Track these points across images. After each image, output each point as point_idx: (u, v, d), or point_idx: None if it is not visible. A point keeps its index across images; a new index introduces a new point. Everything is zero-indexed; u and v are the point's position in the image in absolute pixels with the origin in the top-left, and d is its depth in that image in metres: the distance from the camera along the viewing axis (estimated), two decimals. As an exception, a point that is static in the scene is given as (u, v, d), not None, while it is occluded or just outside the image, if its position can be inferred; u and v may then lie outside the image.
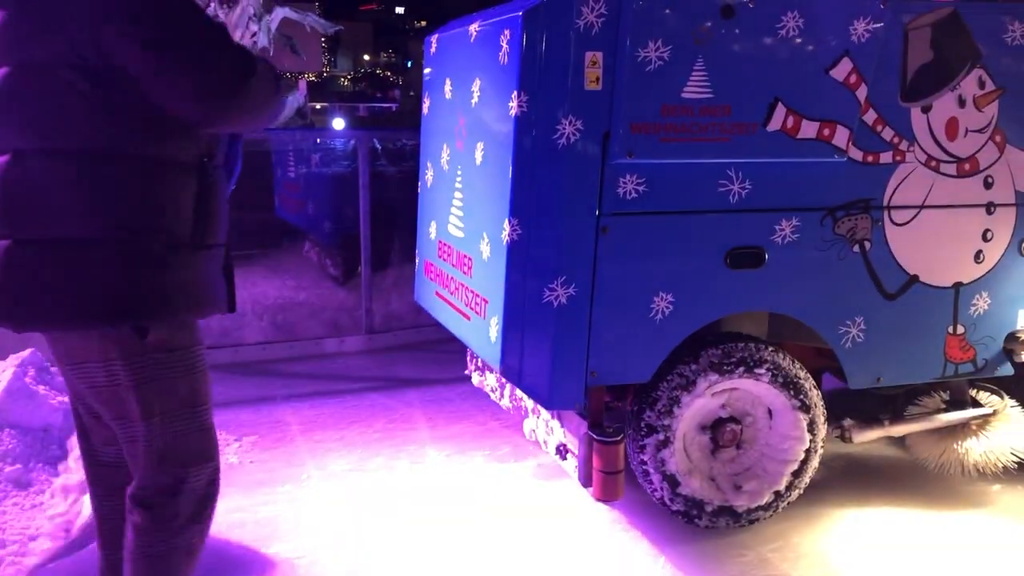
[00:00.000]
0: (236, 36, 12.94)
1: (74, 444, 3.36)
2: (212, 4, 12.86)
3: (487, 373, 3.62)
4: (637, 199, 2.61)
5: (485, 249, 2.86)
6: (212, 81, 1.75)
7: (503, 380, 3.43)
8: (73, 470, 3.23)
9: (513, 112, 2.61)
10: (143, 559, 1.93)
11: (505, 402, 3.44)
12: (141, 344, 1.82)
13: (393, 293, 5.69)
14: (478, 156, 2.93)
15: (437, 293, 3.46)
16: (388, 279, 5.85)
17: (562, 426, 2.94)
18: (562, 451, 2.94)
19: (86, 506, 3.02)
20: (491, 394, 3.61)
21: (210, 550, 2.32)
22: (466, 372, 3.87)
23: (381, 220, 5.34)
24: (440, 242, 3.40)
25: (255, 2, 13.08)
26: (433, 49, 3.52)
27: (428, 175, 3.57)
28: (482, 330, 2.90)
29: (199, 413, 1.95)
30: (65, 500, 3.06)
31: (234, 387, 4.35)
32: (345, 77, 50.23)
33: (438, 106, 3.46)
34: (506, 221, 2.67)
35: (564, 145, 2.54)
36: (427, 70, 3.64)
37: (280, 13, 13.76)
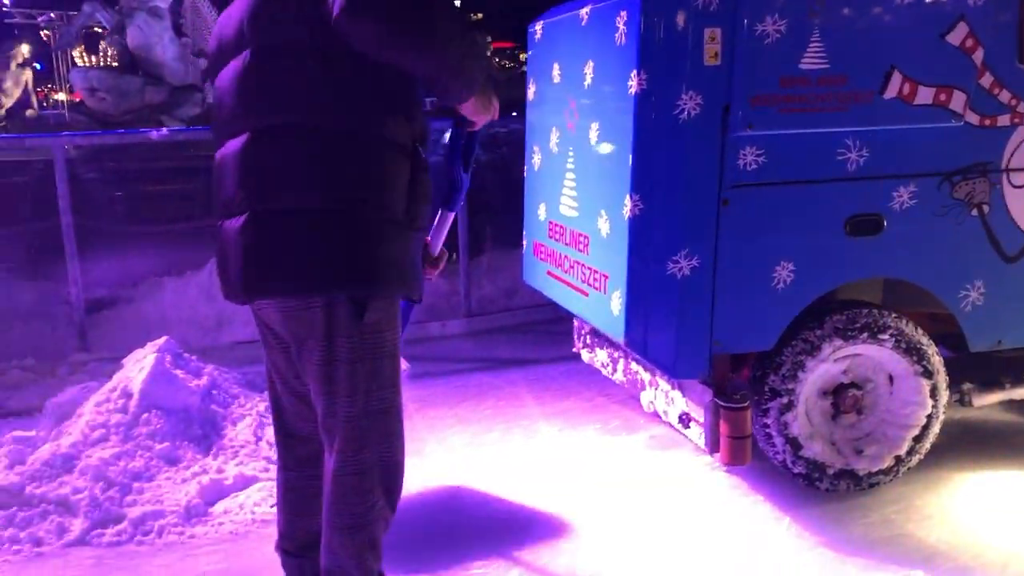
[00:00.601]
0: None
1: (212, 423, 3.58)
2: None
3: (597, 349, 3.72)
4: (757, 170, 2.67)
5: (604, 226, 2.96)
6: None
7: (616, 355, 3.53)
8: (215, 448, 3.44)
9: (632, 90, 2.69)
10: (342, 529, 2.05)
11: (618, 376, 3.54)
12: (359, 323, 1.93)
13: (486, 278, 5.83)
14: (592, 136, 3.03)
15: (549, 272, 3.57)
16: (482, 265, 5.99)
17: (684, 396, 3.02)
18: (685, 420, 3.03)
19: (229, 478, 3.23)
20: (602, 369, 3.71)
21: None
22: (574, 350, 3.97)
23: (474, 206, 5.47)
24: (551, 223, 3.51)
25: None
26: (538, 36, 3.62)
27: (536, 159, 3.68)
28: (602, 305, 3.00)
29: (397, 394, 2.06)
30: (209, 474, 3.26)
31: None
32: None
33: (545, 91, 3.56)
34: (627, 197, 2.76)
35: (684, 120, 2.62)
36: (529, 54, 3.74)
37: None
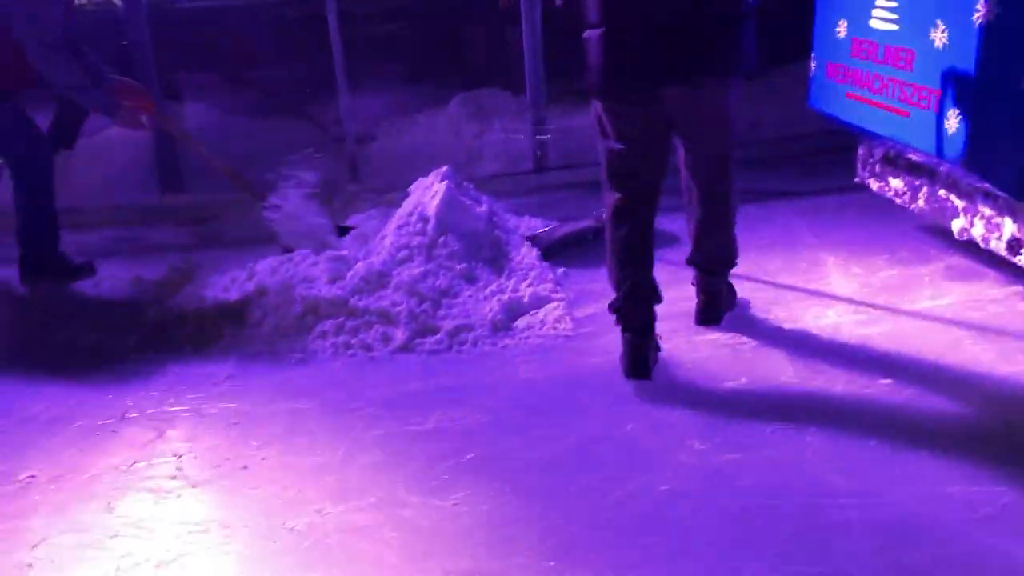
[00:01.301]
0: None
1: (498, 247, 3.73)
2: None
3: (890, 178, 3.54)
4: None
5: (939, 37, 2.74)
6: None
7: (918, 182, 3.35)
8: (507, 270, 3.61)
9: None
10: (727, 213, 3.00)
11: (919, 204, 3.37)
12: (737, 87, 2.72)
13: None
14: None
15: (849, 95, 3.38)
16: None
17: (1015, 221, 2.85)
18: (1015, 246, 2.86)
19: (526, 297, 3.38)
20: (895, 199, 3.54)
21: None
22: (856, 180, 3.81)
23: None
24: (855, 40, 3.29)
25: None
26: None
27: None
28: (928, 125, 2.82)
29: None
30: (507, 293, 3.43)
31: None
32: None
33: None
34: (980, 2, 2.53)
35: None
36: None
37: None
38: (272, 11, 6.07)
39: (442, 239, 3.62)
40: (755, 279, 3.52)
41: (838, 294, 3.33)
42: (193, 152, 4.27)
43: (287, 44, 5.76)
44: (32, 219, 3.82)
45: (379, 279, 3.43)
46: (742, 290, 3.31)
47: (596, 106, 2.77)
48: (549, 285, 3.51)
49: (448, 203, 3.71)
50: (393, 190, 4.67)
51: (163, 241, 4.47)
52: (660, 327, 2.90)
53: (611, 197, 2.82)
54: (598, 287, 3.54)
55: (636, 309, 2.79)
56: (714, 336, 3.08)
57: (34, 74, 3.58)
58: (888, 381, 2.68)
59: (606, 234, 2.88)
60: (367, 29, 5.65)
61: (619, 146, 2.75)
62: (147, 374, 3.11)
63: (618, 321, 2.83)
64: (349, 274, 3.48)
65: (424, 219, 3.68)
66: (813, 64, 3.67)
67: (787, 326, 3.11)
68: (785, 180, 4.75)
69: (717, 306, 3.10)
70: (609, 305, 2.86)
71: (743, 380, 2.78)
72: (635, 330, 2.80)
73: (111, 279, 3.95)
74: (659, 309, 2.88)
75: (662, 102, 2.65)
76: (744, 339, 3.04)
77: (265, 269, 3.69)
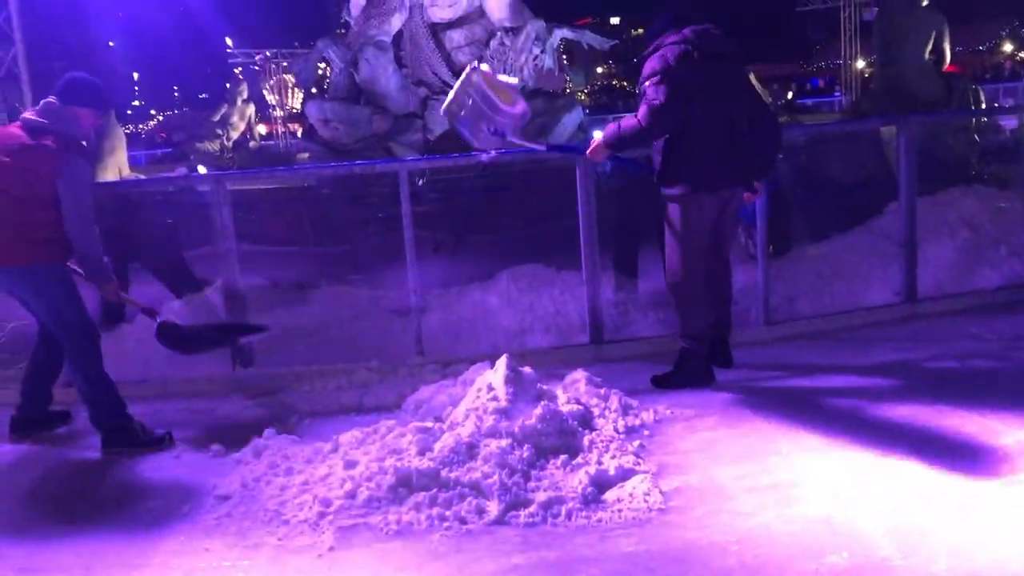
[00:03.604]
0: (521, 61, 13.84)
1: (579, 419, 3.84)
2: (499, 34, 13.91)
3: None
4: None
5: None
6: None
7: None
8: (588, 443, 3.70)
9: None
10: None
11: None
12: None
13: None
14: None
15: None
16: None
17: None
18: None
19: (611, 470, 3.45)
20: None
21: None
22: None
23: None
24: None
25: (539, 26, 13.99)
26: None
27: None
28: None
29: None
30: (592, 465, 3.50)
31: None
32: (582, 92, 51.61)
33: None
34: None
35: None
36: None
37: (559, 34, 14.60)
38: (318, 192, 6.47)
39: (519, 414, 3.74)
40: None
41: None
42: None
43: (346, 218, 6.09)
44: (99, 396, 4.08)
45: (468, 451, 3.52)
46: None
47: (673, 216, 4.32)
48: (631, 458, 3.60)
49: (512, 384, 3.85)
50: (456, 362, 4.84)
51: (236, 413, 4.57)
52: (745, 499, 3.00)
53: (694, 265, 4.31)
54: (675, 459, 3.64)
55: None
56: (803, 509, 3.14)
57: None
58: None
59: (686, 299, 4.40)
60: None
61: (700, 228, 4.30)
62: (242, 548, 3.13)
63: (698, 347, 4.40)
64: (438, 446, 3.56)
65: (495, 398, 3.80)
66: None
67: (879, 502, 3.17)
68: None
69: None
70: (694, 343, 4.38)
71: (844, 554, 2.83)
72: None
73: (190, 450, 4.03)
74: (742, 468, 2.99)
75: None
76: (835, 511, 3.10)
77: (350, 441, 3.78)
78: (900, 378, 4.44)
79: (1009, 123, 11.53)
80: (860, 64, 29.82)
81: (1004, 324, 5.15)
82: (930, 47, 9.08)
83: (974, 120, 9.16)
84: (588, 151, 4.43)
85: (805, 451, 3.62)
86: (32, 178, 3.99)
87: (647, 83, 4.15)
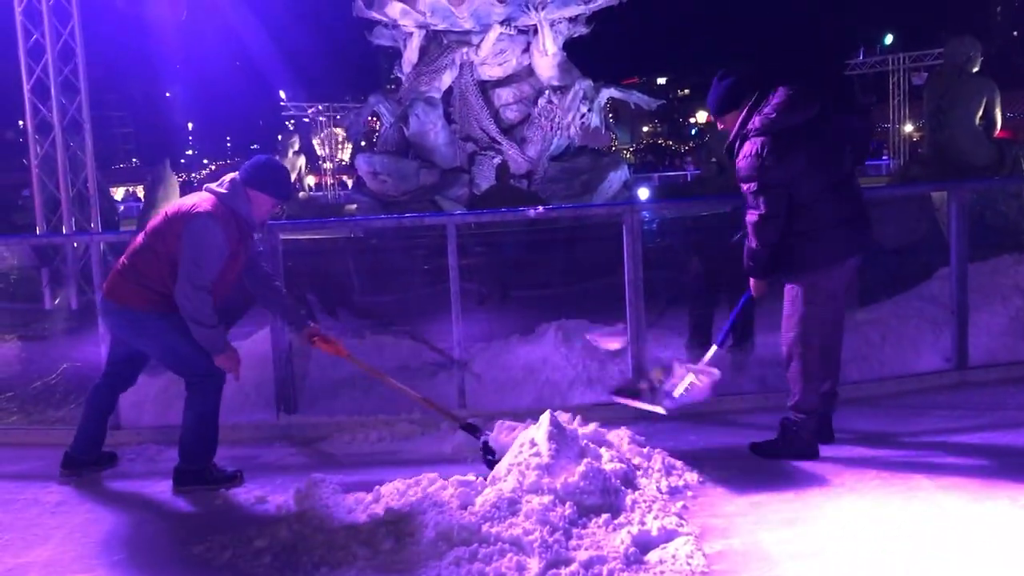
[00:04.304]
0: (568, 119, 14.03)
1: (621, 478, 3.81)
2: (547, 92, 14.15)
3: None
4: None
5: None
6: None
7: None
8: (631, 502, 3.66)
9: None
10: None
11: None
12: None
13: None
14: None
15: None
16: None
17: None
18: None
19: (653, 530, 3.41)
20: None
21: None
22: None
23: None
24: None
25: (586, 85, 14.22)
26: None
27: None
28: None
29: None
30: (634, 525, 3.46)
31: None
32: (627, 150, 52.06)
33: None
34: None
35: None
36: None
37: (607, 93, 14.81)
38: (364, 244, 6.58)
39: (562, 470, 3.72)
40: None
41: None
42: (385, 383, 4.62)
43: (393, 270, 6.19)
44: (199, 438, 4.13)
45: (509, 506, 3.50)
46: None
47: (799, 289, 4.14)
48: (674, 519, 3.55)
49: (556, 441, 3.83)
50: (499, 415, 4.84)
51: (279, 460, 4.61)
52: (789, 565, 2.92)
53: (816, 339, 4.18)
54: (719, 522, 3.58)
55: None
56: (854, 578, 3.07)
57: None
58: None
59: (807, 375, 4.20)
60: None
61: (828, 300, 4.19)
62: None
63: (809, 421, 4.23)
64: (479, 500, 3.56)
65: (538, 453, 3.79)
66: None
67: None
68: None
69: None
70: (804, 417, 4.22)
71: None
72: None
73: (232, 497, 4.07)
74: (787, 533, 2.91)
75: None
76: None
77: (392, 492, 3.79)
78: (949, 449, 4.34)
79: (1061, 190, 11.37)
80: (908, 128, 29.70)
81: (1056, 395, 5.03)
82: (981, 112, 9.02)
83: (1026, 187, 9.05)
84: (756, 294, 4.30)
85: (852, 517, 3.55)
86: (176, 236, 3.99)
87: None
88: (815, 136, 4.05)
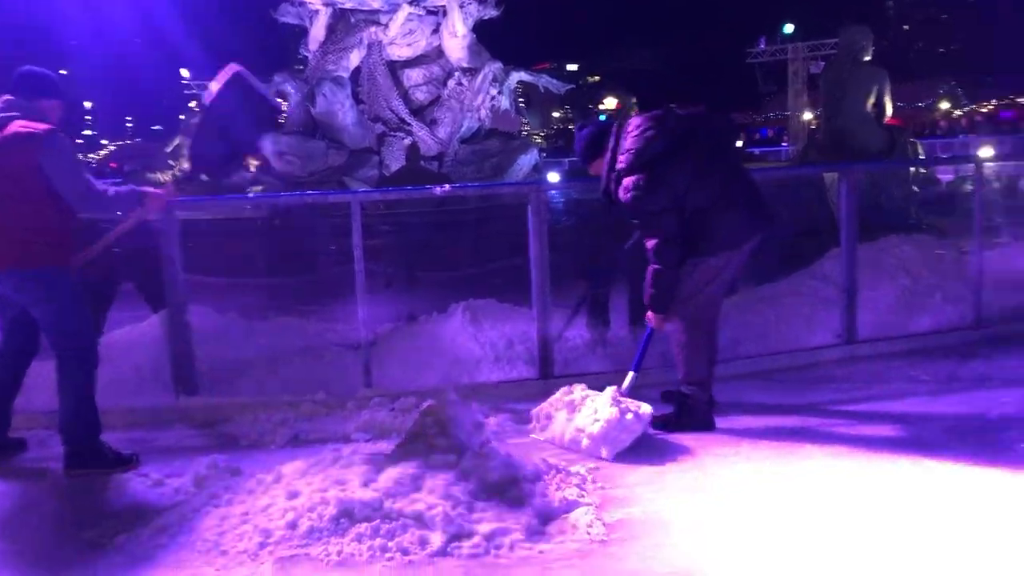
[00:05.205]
0: (478, 101, 14.00)
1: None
2: (456, 74, 14.08)
3: None
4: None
5: None
6: None
7: None
8: (526, 472, 3.70)
9: None
10: None
11: None
12: None
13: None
14: None
15: None
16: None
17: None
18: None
19: (555, 501, 3.46)
20: None
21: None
22: None
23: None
24: None
25: (496, 68, 14.19)
26: None
27: None
28: None
29: None
30: (536, 497, 3.51)
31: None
32: (539, 135, 52.28)
33: None
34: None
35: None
36: None
37: (516, 76, 14.81)
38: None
39: (464, 447, 3.74)
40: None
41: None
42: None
43: (297, 251, 6.07)
44: (76, 415, 3.98)
45: (412, 482, 3.50)
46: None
47: (699, 272, 4.23)
48: (575, 490, 3.62)
49: (461, 414, 3.86)
50: (404, 395, 4.83)
51: (177, 443, 4.49)
52: (688, 532, 3.01)
53: (707, 314, 4.34)
54: (620, 492, 3.67)
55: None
56: (745, 542, 3.18)
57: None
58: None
59: (696, 347, 4.33)
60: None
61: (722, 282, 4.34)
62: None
63: (702, 393, 4.37)
64: (382, 477, 3.54)
65: (445, 433, 3.80)
66: None
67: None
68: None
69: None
70: (698, 389, 4.36)
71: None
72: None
73: (128, 480, 3.95)
74: (685, 502, 3.00)
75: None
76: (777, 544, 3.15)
77: (293, 472, 3.74)
78: (839, 418, 4.54)
79: (945, 176, 11.98)
80: (807, 116, 30.72)
81: (938, 366, 5.32)
82: (873, 100, 9.40)
83: (913, 171, 9.49)
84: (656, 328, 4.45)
85: (748, 484, 3.68)
86: (18, 172, 3.80)
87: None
88: (687, 150, 4.20)
